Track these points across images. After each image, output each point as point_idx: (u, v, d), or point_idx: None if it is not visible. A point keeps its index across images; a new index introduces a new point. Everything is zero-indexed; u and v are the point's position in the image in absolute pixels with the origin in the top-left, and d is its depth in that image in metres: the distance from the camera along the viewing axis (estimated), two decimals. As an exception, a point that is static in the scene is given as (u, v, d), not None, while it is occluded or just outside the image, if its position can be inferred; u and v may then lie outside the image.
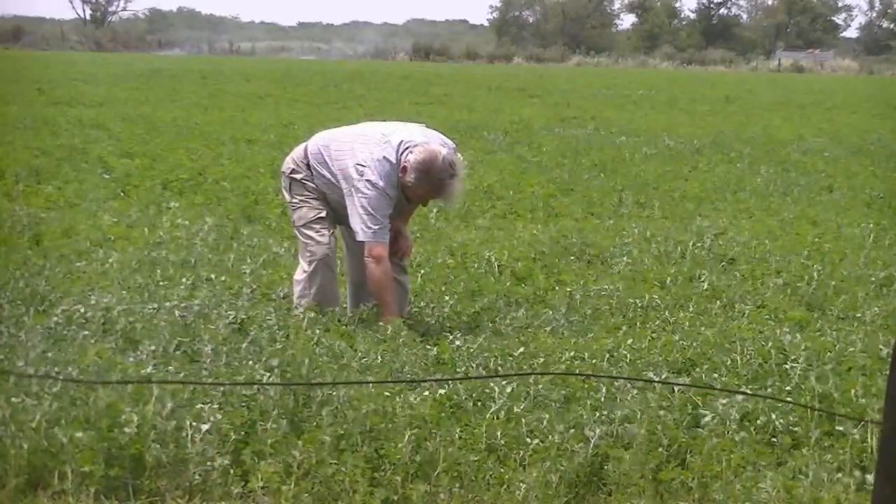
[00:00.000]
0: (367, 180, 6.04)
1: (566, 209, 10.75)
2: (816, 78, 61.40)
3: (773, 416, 4.51)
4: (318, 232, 6.25)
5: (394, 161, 6.04)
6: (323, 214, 6.25)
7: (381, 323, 5.87)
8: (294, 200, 6.35)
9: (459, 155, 6.20)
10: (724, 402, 4.50)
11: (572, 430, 4.26)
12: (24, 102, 21.85)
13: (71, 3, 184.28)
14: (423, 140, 6.08)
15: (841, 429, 4.45)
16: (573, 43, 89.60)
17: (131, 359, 4.90)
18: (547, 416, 4.35)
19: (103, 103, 22.82)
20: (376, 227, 6.04)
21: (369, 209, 6.03)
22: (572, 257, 8.29)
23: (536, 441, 4.20)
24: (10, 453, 3.99)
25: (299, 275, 6.27)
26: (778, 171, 14.48)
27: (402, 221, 6.37)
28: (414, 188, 6.05)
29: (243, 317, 5.82)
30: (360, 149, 6.13)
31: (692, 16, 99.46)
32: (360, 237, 6.07)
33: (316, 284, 6.19)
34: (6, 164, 11.97)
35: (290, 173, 6.39)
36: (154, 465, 4.01)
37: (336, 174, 6.17)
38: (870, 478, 4.05)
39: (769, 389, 4.82)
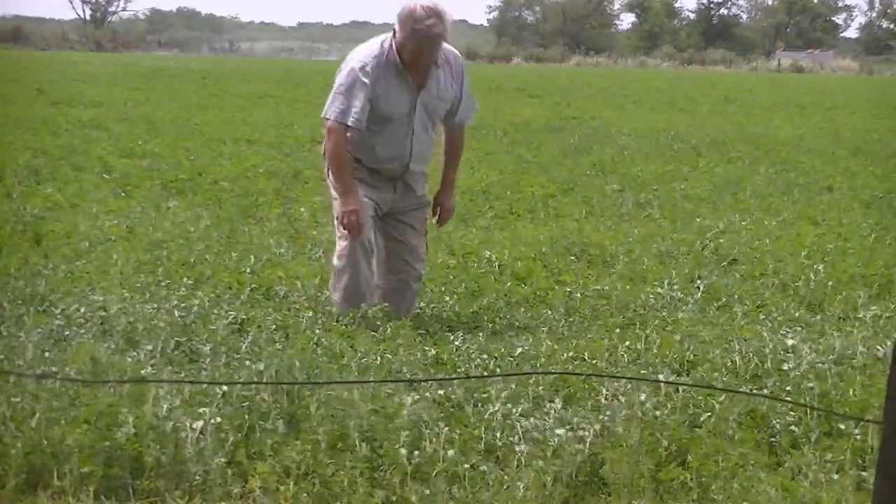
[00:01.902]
0: (350, 65, 5.95)
1: (566, 209, 10.74)
2: (816, 78, 61.40)
3: (773, 416, 4.51)
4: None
5: (382, 43, 5.93)
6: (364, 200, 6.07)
7: (336, 205, 5.80)
8: (334, 193, 6.20)
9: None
10: (723, 401, 4.49)
11: (571, 431, 4.25)
12: (24, 102, 21.85)
13: (71, 3, 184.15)
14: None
15: (841, 427, 4.45)
16: (573, 43, 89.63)
17: (130, 359, 4.90)
18: (547, 416, 4.34)
19: (103, 103, 22.82)
20: (341, 107, 5.89)
21: (342, 87, 5.90)
22: (572, 257, 8.28)
23: (533, 442, 4.20)
24: (10, 453, 3.99)
25: (335, 260, 6.17)
26: (778, 171, 14.48)
27: (444, 192, 6.30)
28: (406, 46, 5.84)
29: (243, 317, 5.82)
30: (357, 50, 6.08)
31: (692, 16, 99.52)
32: (323, 113, 5.98)
33: (343, 280, 6.10)
34: (6, 164, 11.97)
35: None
36: (153, 465, 4.00)
37: None
38: (868, 476, 4.05)
39: (769, 389, 4.81)
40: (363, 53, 5.98)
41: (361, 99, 5.90)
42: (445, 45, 6.04)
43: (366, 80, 5.89)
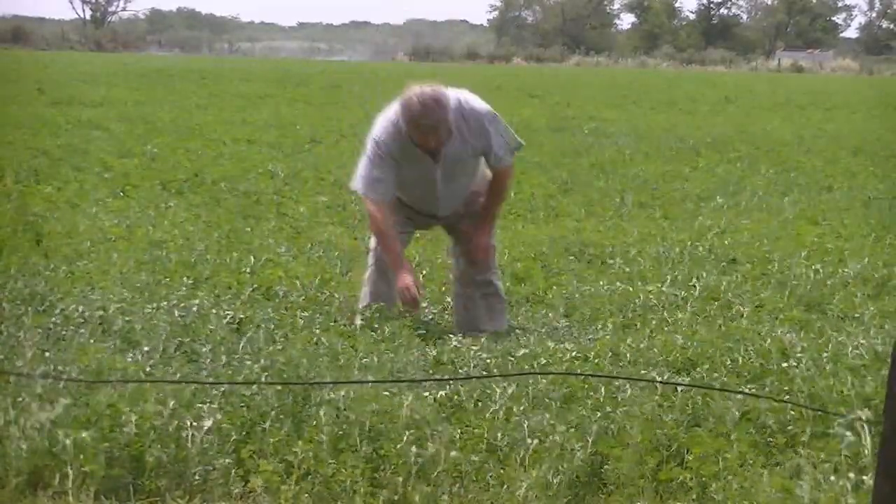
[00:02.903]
0: (372, 137, 6.01)
1: (566, 209, 10.75)
2: (816, 78, 61.40)
3: (772, 416, 4.51)
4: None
5: (396, 119, 5.95)
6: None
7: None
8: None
9: (463, 95, 6.02)
10: (723, 401, 4.50)
11: (572, 430, 4.26)
12: (24, 102, 21.86)
13: (71, 3, 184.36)
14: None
15: (841, 427, 4.45)
16: (573, 43, 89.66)
17: (131, 359, 4.90)
18: (547, 416, 4.35)
19: (103, 103, 22.82)
20: (368, 180, 5.96)
21: (368, 159, 5.98)
22: (572, 257, 8.29)
23: (536, 441, 4.20)
24: (10, 453, 3.99)
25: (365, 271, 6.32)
26: (778, 171, 14.49)
27: (479, 229, 6.26)
28: (409, 131, 5.89)
29: (241, 316, 5.83)
30: (381, 115, 6.12)
31: (692, 16, 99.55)
32: (351, 184, 6.09)
33: (370, 284, 6.21)
34: (6, 164, 11.97)
35: None
36: (154, 465, 4.01)
37: None
38: (867, 478, 4.05)
39: (768, 389, 4.82)
40: (382, 126, 6.01)
41: (384, 171, 5.98)
42: (466, 101, 6.03)
43: (385, 154, 5.96)
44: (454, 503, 3.99)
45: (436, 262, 7.77)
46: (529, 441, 4.19)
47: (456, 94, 6.02)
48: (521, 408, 4.44)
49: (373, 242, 6.25)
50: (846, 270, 7.79)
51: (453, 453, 4.09)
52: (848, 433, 4.39)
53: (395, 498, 3.96)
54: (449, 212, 6.25)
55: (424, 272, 7.50)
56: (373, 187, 5.98)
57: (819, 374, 4.93)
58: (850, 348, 5.53)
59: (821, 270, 7.61)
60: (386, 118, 6.00)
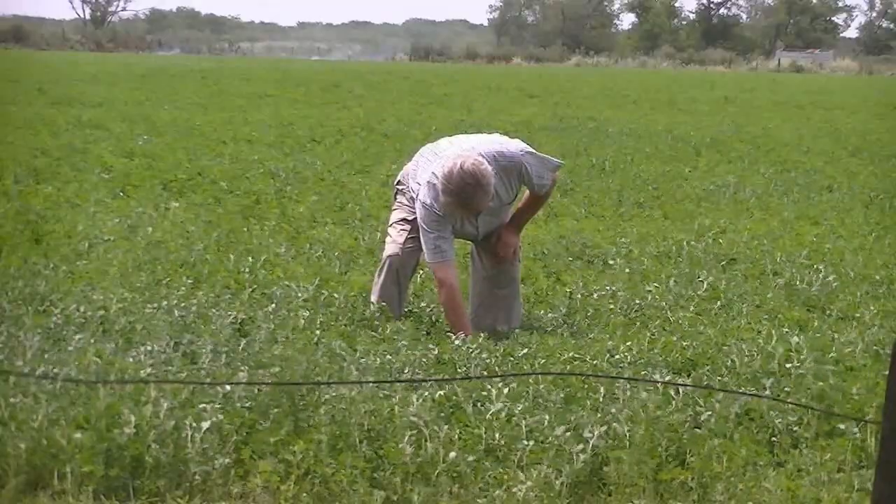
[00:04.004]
0: (420, 201, 6.04)
1: (566, 209, 10.74)
2: (816, 78, 61.39)
3: (773, 416, 4.51)
4: (398, 232, 6.26)
5: (436, 184, 5.98)
6: (410, 217, 6.22)
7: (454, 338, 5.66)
8: (394, 205, 6.43)
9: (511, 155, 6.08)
10: (724, 401, 4.50)
11: (572, 431, 4.25)
12: (24, 102, 21.86)
13: (71, 3, 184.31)
14: (454, 155, 5.94)
15: (841, 427, 4.45)
16: (573, 43, 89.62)
17: (131, 359, 4.90)
18: (547, 416, 4.34)
19: (103, 103, 22.81)
20: (431, 247, 6.00)
21: (424, 228, 6.02)
22: (572, 257, 8.29)
23: (533, 442, 4.20)
24: (10, 453, 3.99)
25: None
26: (778, 171, 14.49)
27: (509, 228, 6.34)
28: (448, 208, 5.95)
29: (242, 317, 5.82)
30: (425, 167, 6.13)
31: (692, 16, 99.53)
32: (424, 258, 6.14)
33: (380, 281, 6.23)
34: (6, 164, 11.97)
35: (397, 184, 6.45)
36: (154, 465, 4.01)
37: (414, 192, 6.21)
38: (868, 476, 4.05)
39: (769, 389, 4.82)
40: (425, 192, 6.03)
41: (442, 230, 6.02)
42: (498, 158, 6.05)
43: (436, 215, 5.99)
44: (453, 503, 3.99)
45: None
46: (527, 442, 4.19)
47: (491, 150, 6.06)
48: (521, 408, 4.44)
49: (387, 236, 6.32)
50: (846, 270, 7.79)
51: (452, 454, 4.09)
52: (854, 431, 4.39)
53: (395, 498, 3.96)
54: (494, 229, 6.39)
55: (424, 272, 7.50)
56: (439, 252, 6.02)
57: (819, 375, 4.93)
58: (851, 348, 5.54)
59: (821, 270, 7.61)
60: (428, 183, 6.02)
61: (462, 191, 5.82)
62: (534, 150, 6.22)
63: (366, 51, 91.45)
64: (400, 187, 6.40)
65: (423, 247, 6.06)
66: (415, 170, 6.24)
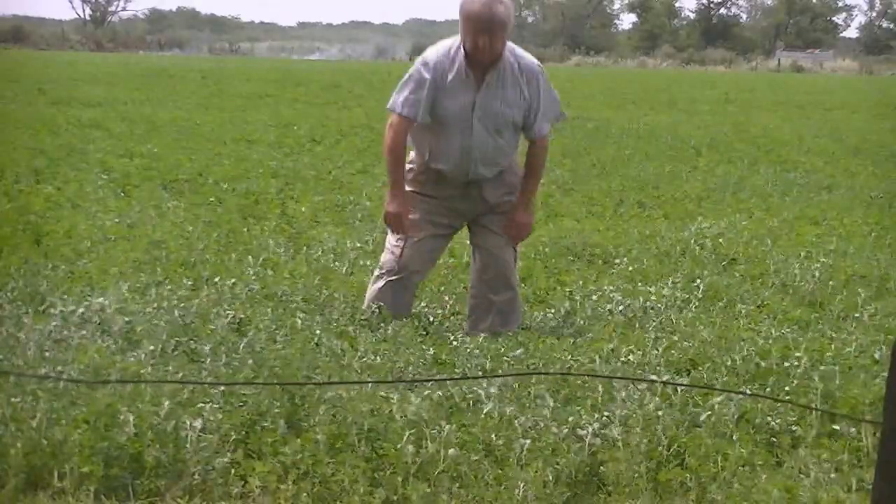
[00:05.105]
0: (422, 56, 5.95)
1: (566, 209, 10.74)
2: (816, 78, 61.38)
3: (772, 416, 4.51)
4: (396, 240, 6.12)
5: (454, 40, 5.88)
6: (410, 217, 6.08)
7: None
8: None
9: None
10: (723, 401, 4.50)
11: (570, 430, 4.25)
12: (24, 102, 21.86)
13: (71, 3, 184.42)
14: None
15: (840, 428, 4.45)
16: (573, 43, 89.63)
17: (131, 358, 4.90)
18: (545, 416, 4.34)
19: (103, 103, 22.82)
20: (402, 98, 5.86)
21: (408, 78, 5.89)
22: (573, 257, 8.29)
23: (531, 441, 4.19)
24: (10, 453, 3.99)
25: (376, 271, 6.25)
26: (778, 171, 14.49)
27: (518, 207, 6.13)
28: (465, 34, 5.79)
29: (241, 316, 5.82)
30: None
31: (692, 16, 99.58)
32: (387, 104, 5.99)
33: (374, 288, 6.15)
34: (6, 164, 11.97)
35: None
36: (153, 464, 4.01)
37: None
38: (868, 477, 4.05)
39: (768, 389, 4.82)
40: (432, 50, 5.96)
41: (418, 92, 5.86)
42: (520, 53, 6.02)
43: (427, 75, 5.85)
44: (453, 503, 3.99)
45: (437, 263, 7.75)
46: (524, 441, 4.19)
47: (513, 47, 6.02)
48: (520, 407, 4.44)
49: (392, 239, 6.15)
50: (846, 270, 7.79)
51: (451, 451, 4.09)
52: (853, 430, 4.39)
53: (395, 497, 3.96)
54: (479, 176, 6.04)
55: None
56: (403, 104, 5.87)
57: (819, 375, 4.93)
58: (851, 348, 5.54)
59: (821, 270, 7.61)
60: (441, 42, 5.95)
61: (484, 9, 5.74)
62: (549, 80, 6.14)
63: (366, 51, 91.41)
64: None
65: (393, 94, 5.91)
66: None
